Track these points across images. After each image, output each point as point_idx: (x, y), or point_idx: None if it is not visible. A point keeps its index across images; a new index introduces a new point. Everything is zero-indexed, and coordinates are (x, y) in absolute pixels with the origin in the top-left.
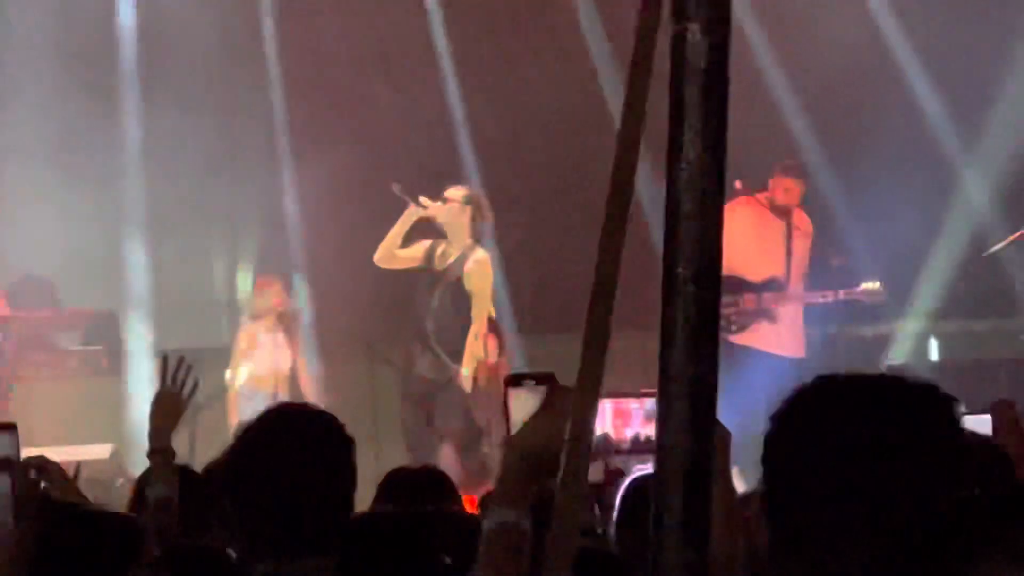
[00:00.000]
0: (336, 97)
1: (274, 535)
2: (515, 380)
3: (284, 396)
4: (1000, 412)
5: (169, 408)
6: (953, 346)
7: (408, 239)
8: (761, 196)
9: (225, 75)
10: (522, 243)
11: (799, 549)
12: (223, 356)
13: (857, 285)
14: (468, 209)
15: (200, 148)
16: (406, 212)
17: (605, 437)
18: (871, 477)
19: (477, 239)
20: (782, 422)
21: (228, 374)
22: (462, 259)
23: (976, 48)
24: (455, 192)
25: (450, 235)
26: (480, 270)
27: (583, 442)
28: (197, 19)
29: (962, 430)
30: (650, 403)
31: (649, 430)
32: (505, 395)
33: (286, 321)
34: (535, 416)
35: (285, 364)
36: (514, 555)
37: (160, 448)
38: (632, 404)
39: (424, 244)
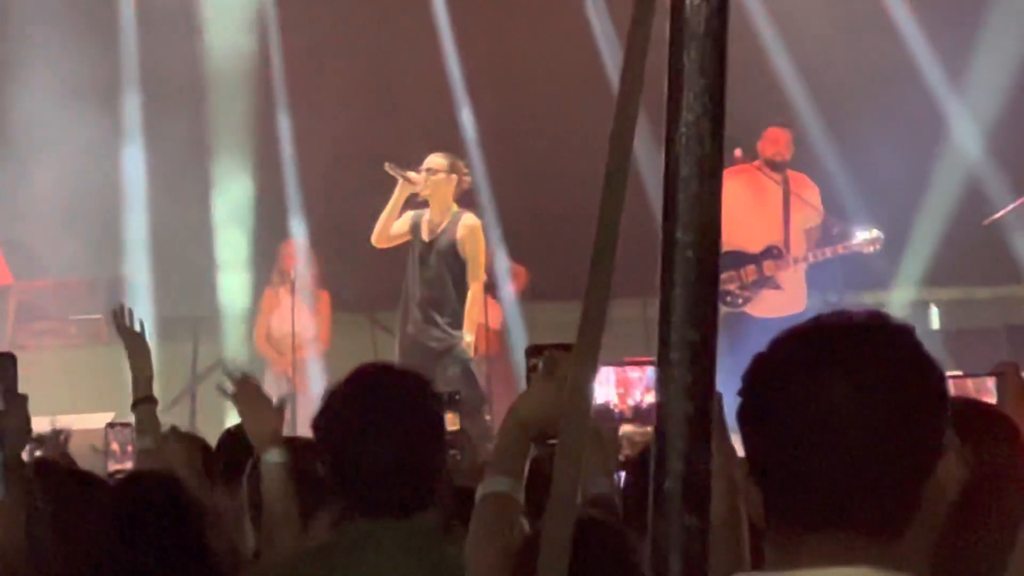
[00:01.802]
0: (335, 64)
1: (379, 494)
2: (536, 350)
3: (304, 354)
4: (1005, 374)
5: (140, 351)
6: (954, 314)
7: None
8: (756, 163)
9: (221, 44)
10: (521, 209)
11: (787, 505)
12: (221, 323)
13: (852, 237)
14: (453, 177)
15: (201, 115)
16: (397, 189)
17: (606, 405)
18: (842, 422)
19: (459, 204)
20: (749, 378)
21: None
22: (452, 225)
23: None
24: (437, 162)
25: (435, 204)
26: (472, 235)
27: (581, 409)
28: None
29: (935, 366)
30: (652, 371)
31: (651, 398)
32: (527, 364)
33: (303, 283)
34: (536, 383)
35: (303, 326)
36: (506, 524)
37: (143, 398)
38: (633, 372)
39: (408, 216)
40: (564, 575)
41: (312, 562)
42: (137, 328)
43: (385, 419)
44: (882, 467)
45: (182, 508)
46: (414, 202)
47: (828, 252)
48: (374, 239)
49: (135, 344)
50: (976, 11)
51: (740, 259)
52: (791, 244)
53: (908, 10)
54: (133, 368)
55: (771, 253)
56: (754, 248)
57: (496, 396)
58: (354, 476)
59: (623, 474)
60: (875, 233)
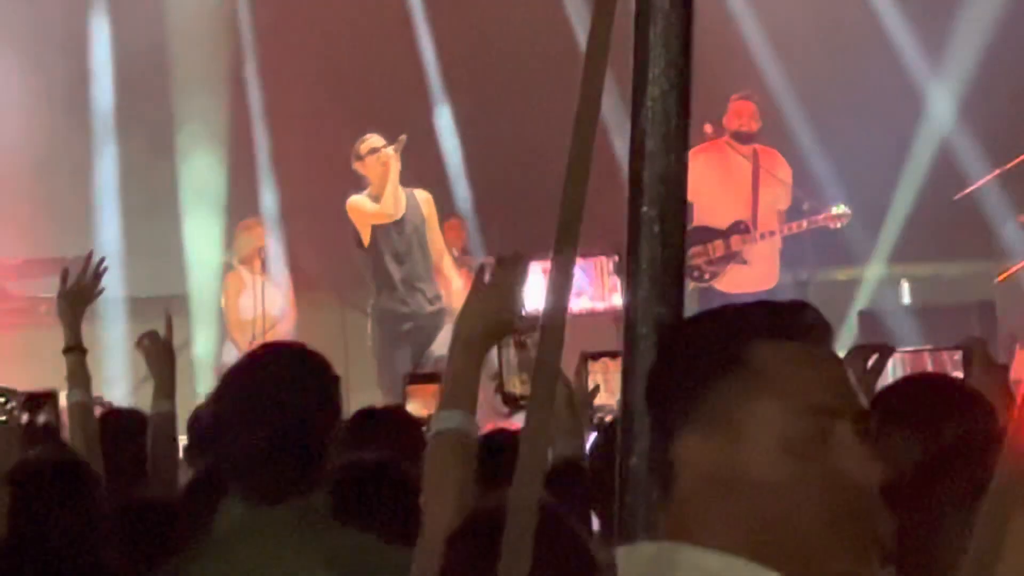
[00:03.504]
0: (307, 37)
1: (263, 476)
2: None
3: (270, 336)
4: (971, 349)
5: (76, 300)
6: (924, 289)
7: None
8: (724, 138)
9: (196, 12)
10: (492, 174)
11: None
12: (188, 302)
13: (821, 211)
14: (398, 156)
15: (168, 93)
16: (395, 165)
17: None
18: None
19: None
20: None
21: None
22: (413, 200)
23: None
24: (377, 141)
25: (387, 184)
26: (432, 209)
27: (556, 333)
28: None
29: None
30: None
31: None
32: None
33: (268, 263)
34: (468, 299)
35: (271, 306)
36: (462, 464)
37: (73, 346)
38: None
39: (365, 196)
40: (529, 552)
41: (204, 552)
42: (91, 283)
43: (259, 402)
44: None
45: (78, 495)
46: (352, 185)
47: (794, 227)
48: (389, 215)
49: (78, 296)
50: None
51: (707, 234)
52: (759, 220)
53: None
54: (63, 315)
55: (738, 228)
56: (722, 223)
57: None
58: (229, 462)
59: (594, 434)
60: (842, 208)
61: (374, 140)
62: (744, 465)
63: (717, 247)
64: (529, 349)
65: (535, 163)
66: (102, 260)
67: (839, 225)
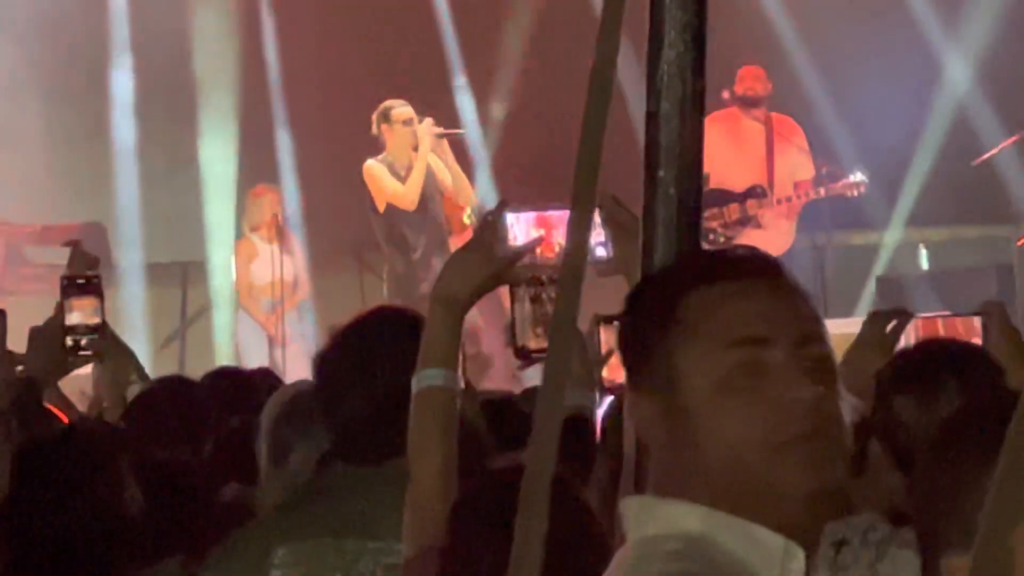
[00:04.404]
0: (324, 3)
1: (360, 441)
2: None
3: (286, 305)
4: (990, 313)
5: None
6: (943, 254)
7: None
8: (733, 106)
9: None
10: (508, 130)
11: None
12: (208, 269)
13: (839, 180)
14: (442, 141)
15: (186, 60)
16: (429, 149)
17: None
18: None
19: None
20: None
21: (227, 283)
22: (430, 171)
23: None
24: (409, 111)
25: (413, 169)
26: (445, 168)
27: (574, 286)
28: None
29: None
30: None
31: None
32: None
33: (283, 230)
34: (450, 258)
35: (285, 272)
36: (447, 421)
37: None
38: (555, 213)
39: (385, 168)
40: (546, 513)
41: (298, 506)
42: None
43: (371, 365)
44: None
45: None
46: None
47: (812, 193)
48: (410, 203)
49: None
50: None
51: (723, 197)
52: (776, 186)
53: None
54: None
55: (754, 192)
56: (738, 187)
57: (485, 330)
58: (338, 421)
59: (609, 398)
60: (859, 177)
61: (407, 110)
62: (684, 414)
63: (733, 210)
64: (544, 303)
65: (552, 123)
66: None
67: (856, 193)
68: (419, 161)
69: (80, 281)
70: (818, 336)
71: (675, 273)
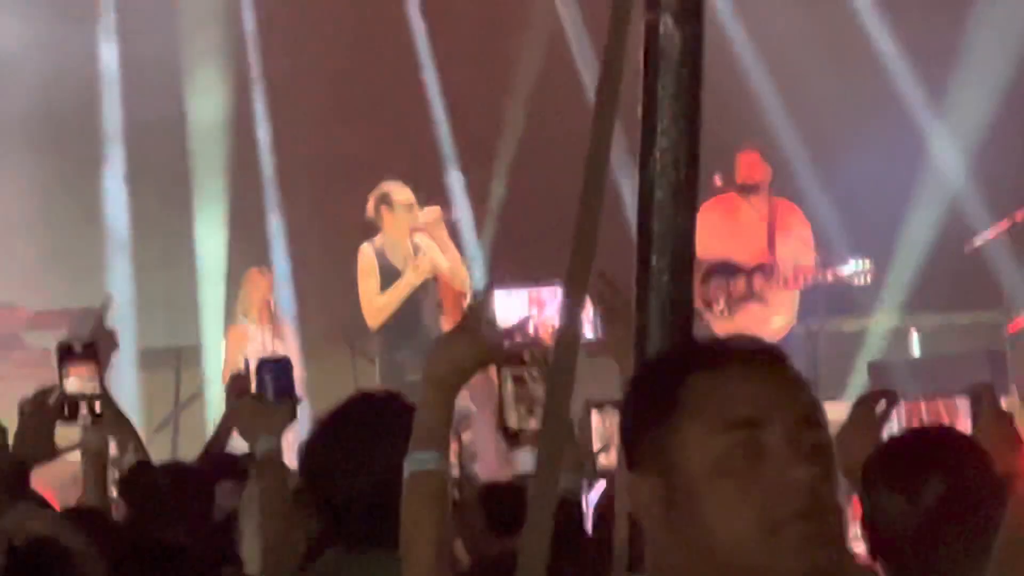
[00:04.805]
0: (318, 87)
1: (360, 526)
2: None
3: None
4: (979, 395)
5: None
6: (934, 340)
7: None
8: (731, 192)
9: (204, 77)
10: (500, 208)
11: None
12: (201, 353)
13: (844, 263)
14: (441, 226)
15: (179, 146)
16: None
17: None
18: None
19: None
20: None
21: (218, 368)
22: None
23: (944, 6)
24: (409, 195)
25: (404, 241)
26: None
27: (568, 361)
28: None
29: None
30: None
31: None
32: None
33: (274, 314)
34: (442, 338)
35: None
36: (439, 507)
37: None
38: (546, 290)
39: (375, 253)
40: None
41: None
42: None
43: (364, 451)
44: None
45: None
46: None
47: (819, 276)
48: (378, 321)
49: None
50: (957, 34)
51: (730, 270)
52: (782, 268)
53: (888, 32)
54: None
55: (762, 269)
56: (745, 265)
57: (477, 416)
58: (328, 508)
59: (601, 483)
60: (867, 264)
61: (408, 194)
62: (682, 495)
63: (739, 284)
64: (527, 383)
65: (544, 201)
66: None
67: (863, 281)
68: (410, 275)
69: (76, 348)
70: (816, 420)
71: (675, 358)
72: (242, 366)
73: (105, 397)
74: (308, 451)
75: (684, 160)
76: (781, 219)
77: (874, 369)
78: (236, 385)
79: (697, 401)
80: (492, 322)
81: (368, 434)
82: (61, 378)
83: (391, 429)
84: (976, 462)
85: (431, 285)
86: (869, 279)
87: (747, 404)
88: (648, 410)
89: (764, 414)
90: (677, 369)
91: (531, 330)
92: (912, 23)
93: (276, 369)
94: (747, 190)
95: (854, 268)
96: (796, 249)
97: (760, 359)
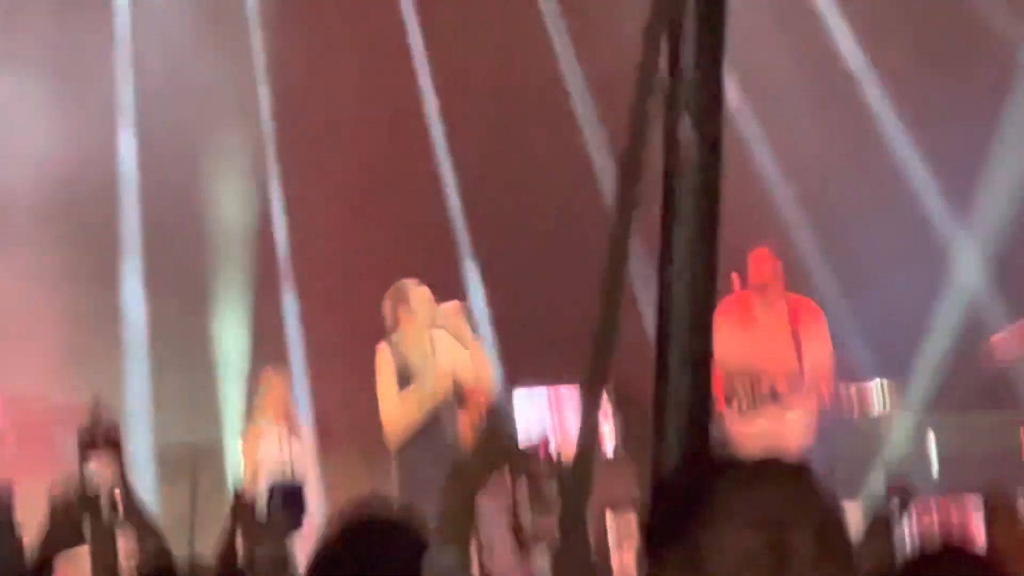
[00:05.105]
0: (334, 188)
1: None
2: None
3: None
4: (994, 498)
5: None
6: (950, 439)
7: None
8: (747, 292)
9: (223, 175)
10: (519, 307)
11: None
12: (220, 453)
13: (863, 380)
14: (463, 324)
15: (198, 244)
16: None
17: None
18: None
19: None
20: None
21: (239, 467)
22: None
23: (965, 116)
24: (424, 292)
25: (423, 339)
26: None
27: (588, 457)
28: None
29: None
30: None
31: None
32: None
33: (290, 414)
34: (465, 441)
35: (290, 458)
36: None
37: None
38: (565, 391)
39: (393, 354)
40: None
41: None
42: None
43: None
44: None
45: None
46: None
47: (841, 399)
48: (399, 435)
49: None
50: (980, 140)
51: (755, 369)
52: (807, 370)
53: (910, 136)
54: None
55: (788, 374)
56: (770, 367)
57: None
58: None
59: None
60: (886, 387)
61: (425, 291)
62: None
63: (763, 384)
64: (542, 485)
65: (563, 300)
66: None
67: (884, 406)
68: (430, 383)
69: (98, 439)
70: (839, 524)
71: (705, 462)
72: (257, 477)
73: (125, 488)
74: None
75: (702, 263)
76: (801, 319)
77: (891, 468)
78: (239, 505)
79: (725, 501)
80: (511, 423)
81: (367, 567)
82: (82, 468)
83: (391, 559)
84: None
85: (450, 385)
86: (888, 404)
87: (776, 506)
88: (678, 510)
89: (791, 517)
90: (708, 473)
91: (550, 441)
92: (934, 128)
93: (287, 496)
94: (761, 288)
95: (875, 393)
96: (812, 347)
97: (785, 467)
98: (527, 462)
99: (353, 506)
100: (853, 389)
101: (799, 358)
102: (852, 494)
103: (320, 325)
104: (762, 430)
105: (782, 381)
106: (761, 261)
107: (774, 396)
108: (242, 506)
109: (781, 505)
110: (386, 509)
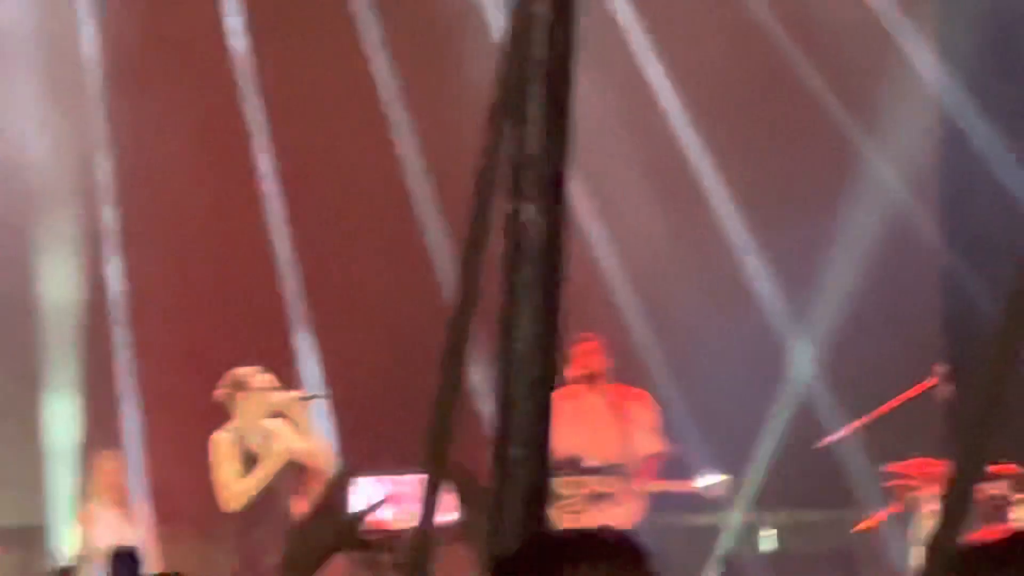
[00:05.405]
0: (170, 268)
1: None
2: None
3: None
4: None
5: None
6: (785, 537)
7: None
8: (576, 384)
9: (56, 256)
10: (356, 393)
11: None
12: (55, 533)
13: (699, 475)
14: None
15: (29, 323)
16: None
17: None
18: None
19: None
20: None
21: (69, 549)
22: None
23: (804, 203)
24: (264, 379)
25: (260, 425)
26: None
27: (427, 542)
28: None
29: None
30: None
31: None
32: None
33: (124, 496)
34: (296, 527)
35: (124, 538)
36: None
37: None
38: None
39: (235, 465)
40: None
41: None
42: None
43: None
44: None
45: None
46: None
47: (675, 487)
48: (238, 504)
49: None
50: (816, 242)
51: (581, 469)
52: (624, 459)
53: (748, 235)
54: None
55: (616, 470)
56: (596, 461)
57: None
58: None
59: None
60: (724, 478)
61: (266, 378)
62: None
63: (591, 484)
64: (383, 570)
65: (400, 389)
66: None
67: (718, 495)
68: (271, 460)
69: None
70: None
71: (548, 550)
72: (88, 558)
73: None
74: None
75: (542, 351)
76: (629, 408)
77: (727, 564)
78: None
79: None
80: (346, 506)
81: None
82: None
83: None
84: None
85: (287, 465)
86: (723, 491)
87: None
88: None
89: None
90: (548, 561)
91: (384, 513)
92: (772, 219)
93: (125, 559)
94: (590, 379)
95: (709, 482)
96: (642, 435)
97: (626, 556)
98: (365, 546)
99: None
100: (686, 483)
101: (628, 447)
102: None
103: (157, 406)
104: (588, 524)
105: (613, 482)
106: (588, 352)
107: (604, 497)
108: None
109: None
110: None
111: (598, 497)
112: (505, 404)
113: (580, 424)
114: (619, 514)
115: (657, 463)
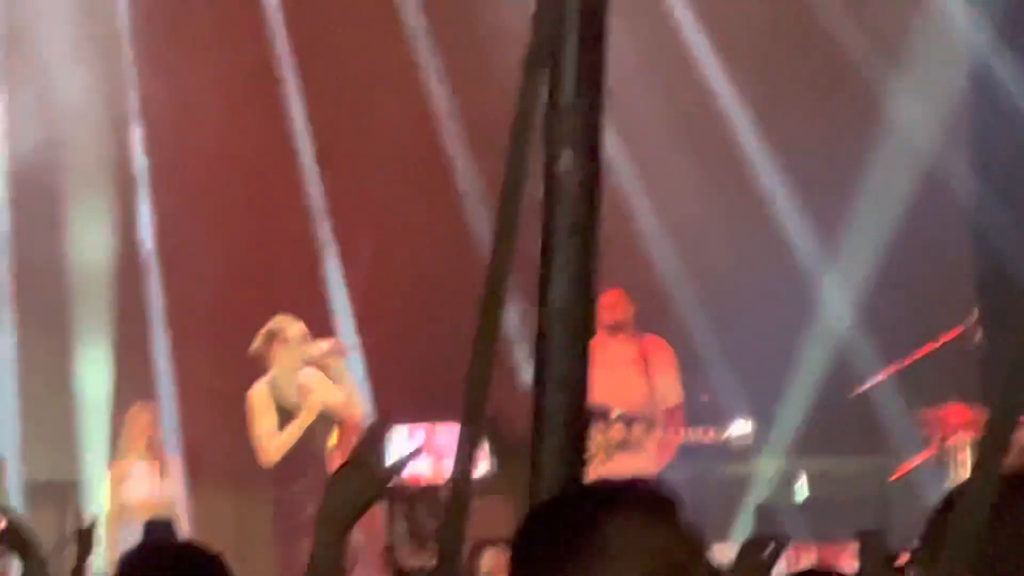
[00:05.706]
0: (205, 220)
1: None
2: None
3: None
4: (867, 542)
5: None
6: (820, 484)
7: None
8: (602, 332)
9: (89, 208)
10: (392, 342)
11: None
12: (88, 488)
13: (726, 424)
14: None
15: (58, 281)
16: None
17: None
18: None
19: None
20: None
21: (101, 504)
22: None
23: (834, 153)
24: (298, 329)
25: (296, 376)
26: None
27: (464, 493)
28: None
29: None
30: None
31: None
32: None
33: (158, 449)
34: (333, 479)
35: (157, 492)
36: None
37: None
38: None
39: (272, 417)
40: None
41: None
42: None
43: None
44: None
45: None
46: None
47: (699, 434)
48: (275, 458)
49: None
50: (849, 183)
51: (607, 416)
52: (647, 410)
53: (778, 176)
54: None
55: (640, 417)
56: (624, 408)
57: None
58: None
59: None
60: (748, 428)
61: (300, 328)
62: None
63: (616, 432)
64: (418, 520)
65: (437, 337)
66: None
67: (743, 445)
68: (306, 413)
69: None
70: (717, 569)
71: (583, 500)
72: (123, 512)
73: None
74: None
75: (580, 299)
76: (647, 356)
77: (761, 513)
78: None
79: (615, 545)
80: (383, 457)
81: None
82: None
83: None
84: None
85: (324, 417)
86: (750, 442)
87: (670, 550)
88: (555, 551)
89: (686, 559)
90: (586, 511)
91: (420, 465)
92: (803, 169)
93: (160, 531)
94: (614, 329)
95: (734, 432)
96: (663, 386)
97: (667, 505)
98: (403, 497)
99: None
100: (712, 432)
101: (652, 396)
102: (721, 537)
103: (189, 359)
104: (616, 475)
105: (638, 431)
106: (615, 303)
107: (625, 443)
108: (86, 539)
109: (675, 548)
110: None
111: (623, 445)
112: (544, 353)
113: (605, 374)
114: (645, 463)
115: (680, 413)
